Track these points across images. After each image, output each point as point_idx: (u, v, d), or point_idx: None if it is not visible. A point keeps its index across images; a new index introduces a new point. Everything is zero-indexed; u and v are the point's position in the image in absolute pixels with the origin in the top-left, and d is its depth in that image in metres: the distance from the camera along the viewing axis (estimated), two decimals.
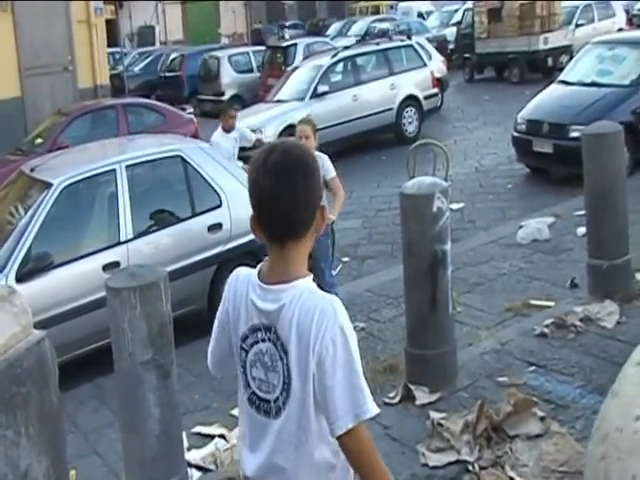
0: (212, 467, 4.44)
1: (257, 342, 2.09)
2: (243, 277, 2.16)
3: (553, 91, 11.41)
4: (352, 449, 1.99)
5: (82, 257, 6.38)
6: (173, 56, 25.49)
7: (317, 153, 6.74)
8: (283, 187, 2.00)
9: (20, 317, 3.11)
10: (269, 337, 2.06)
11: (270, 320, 2.05)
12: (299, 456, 2.05)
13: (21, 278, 5.95)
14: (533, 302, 6.20)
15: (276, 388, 2.06)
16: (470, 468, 3.96)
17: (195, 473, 4.30)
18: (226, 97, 21.24)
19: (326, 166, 6.25)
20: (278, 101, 14.91)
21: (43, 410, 2.95)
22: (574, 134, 9.37)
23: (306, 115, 9.51)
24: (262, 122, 13.73)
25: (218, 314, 2.23)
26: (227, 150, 8.83)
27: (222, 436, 4.76)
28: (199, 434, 4.96)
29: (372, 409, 1.99)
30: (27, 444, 2.80)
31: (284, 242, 2.05)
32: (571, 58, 14.46)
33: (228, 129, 9.15)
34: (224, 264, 6.82)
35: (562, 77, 11.71)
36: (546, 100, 11.20)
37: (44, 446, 2.89)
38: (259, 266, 2.14)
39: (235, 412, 4.77)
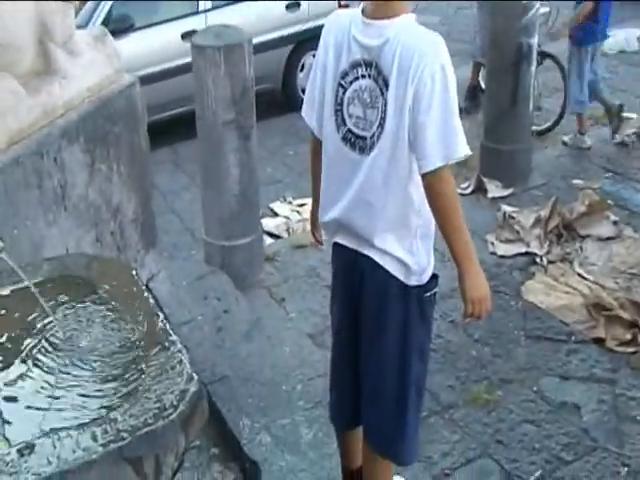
0: (284, 235, 4.54)
1: (357, 79, 2.05)
2: (345, 15, 2.12)
3: None
4: (434, 189, 1.98)
5: (161, 22, 6.30)
6: None
7: None
8: None
9: (112, 59, 3.10)
10: (369, 73, 2.02)
11: (372, 56, 2.01)
12: (387, 191, 2.05)
13: None
14: None
15: (373, 124, 2.03)
16: (538, 260, 3.99)
17: (267, 239, 4.40)
18: None
19: None
20: None
21: (133, 152, 3.00)
22: None
23: None
24: None
25: (316, 58, 2.19)
26: None
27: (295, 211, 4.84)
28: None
29: (463, 150, 1.96)
30: (118, 181, 2.87)
31: None
32: None
33: None
34: (300, 44, 6.68)
35: None
36: None
37: (133, 185, 2.96)
38: (362, 5, 2.07)
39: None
